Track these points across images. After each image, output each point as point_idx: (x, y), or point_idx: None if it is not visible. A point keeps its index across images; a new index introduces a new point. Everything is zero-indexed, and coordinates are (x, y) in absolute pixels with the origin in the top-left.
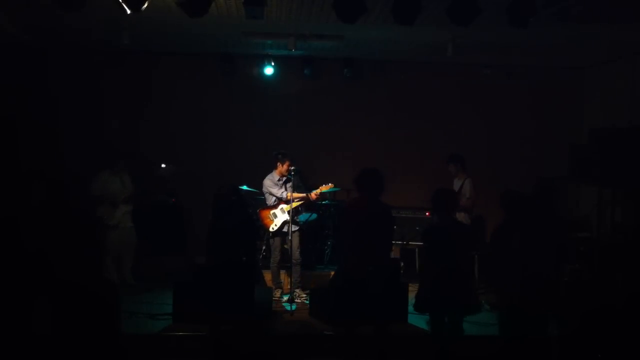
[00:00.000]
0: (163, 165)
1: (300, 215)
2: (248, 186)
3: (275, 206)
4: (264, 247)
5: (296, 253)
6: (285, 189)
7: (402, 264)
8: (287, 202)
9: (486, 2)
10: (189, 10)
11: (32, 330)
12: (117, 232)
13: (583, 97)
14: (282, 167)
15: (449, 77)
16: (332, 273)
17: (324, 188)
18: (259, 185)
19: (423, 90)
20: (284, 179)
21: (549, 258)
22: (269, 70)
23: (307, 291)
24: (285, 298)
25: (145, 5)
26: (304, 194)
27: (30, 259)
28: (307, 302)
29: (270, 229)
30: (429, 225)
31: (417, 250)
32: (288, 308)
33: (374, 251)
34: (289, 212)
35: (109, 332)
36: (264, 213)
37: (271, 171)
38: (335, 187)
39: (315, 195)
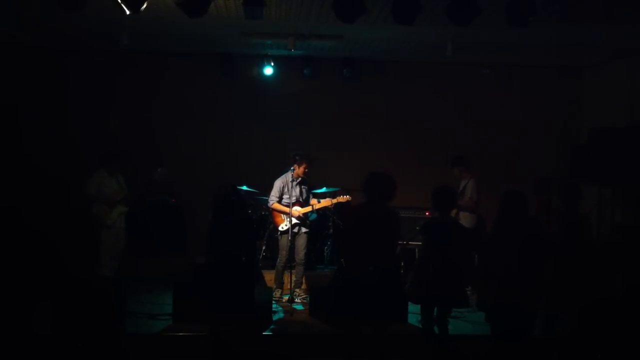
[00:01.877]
0: (159, 170)
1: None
2: (248, 186)
3: (288, 206)
4: (264, 247)
5: (301, 254)
6: (301, 191)
7: (402, 263)
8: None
9: (486, 2)
10: (188, 10)
11: (34, 329)
12: (110, 233)
13: (583, 97)
14: (299, 169)
15: (448, 77)
16: (333, 273)
17: (322, 204)
18: (259, 186)
19: (423, 90)
20: (299, 179)
21: (540, 257)
22: (268, 71)
23: (308, 291)
24: (286, 298)
25: (145, 5)
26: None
27: (33, 256)
28: (307, 301)
29: (280, 228)
30: (429, 219)
31: (417, 250)
32: (288, 308)
33: (377, 255)
34: (302, 214)
35: (111, 332)
36: (275, 212)
37: (284, 171)
38: (335, 188)
39: (311, 208)
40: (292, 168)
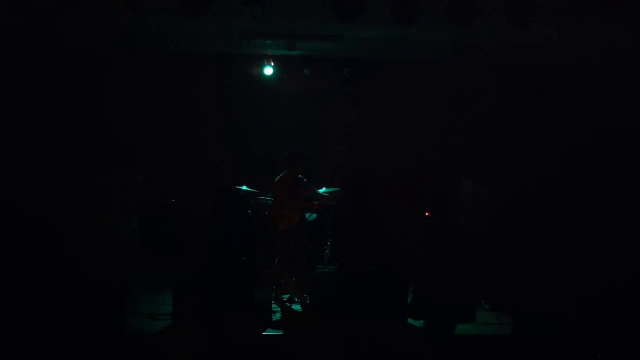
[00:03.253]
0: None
1: None
2: (248, 186)
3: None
4: (263, 247)
5: (300, 254)
6: (296, 190)
7: (401, 264)
8: (290, 207)
9: (486, 2)
10: (188, 10)
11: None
12: (119, 234)
13: (583, 97)
14: (295, 169)
15: (449, 76)
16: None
17: (327, 199)
18: (259, 186)
19: (423, 90)
20: (296, 178)
21: None
22: (268, 71)
23: (307, 291)
24: (286, 298)
25: (145, 6)
26: (306, 203)
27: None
28: (308, 301)
29: (279, 229)
30: (428, 227)
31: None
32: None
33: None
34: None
35: (112, 332)
36: (274, 212)
37: (282, 171)
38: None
39: (318, 205)
40: (292, 168)
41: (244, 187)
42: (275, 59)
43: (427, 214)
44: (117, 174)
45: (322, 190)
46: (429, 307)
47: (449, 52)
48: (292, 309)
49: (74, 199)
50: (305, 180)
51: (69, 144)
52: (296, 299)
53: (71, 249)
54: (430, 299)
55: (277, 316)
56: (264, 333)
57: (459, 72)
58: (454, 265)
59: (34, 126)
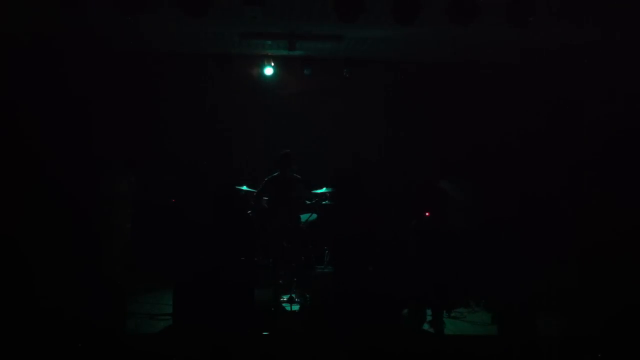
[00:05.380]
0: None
1: (301, 216)
2: (248, 186)
3: (279, 205)
4: (263, 247)
5: (300, 253)
6: (290, 189)
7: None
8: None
9: (486, 2)
10: (188, 10)
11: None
12: (119, 233)
13: (581, 97)
14: (286, 168)
15: (449, 77)
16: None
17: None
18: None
19: (423, 90)
20: (288, 178)
21: None
22: (268, 71)
23: (307, 291)
24: (286, 298)
25: (145, 6)
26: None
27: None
28: (308, 302)
29: (276, 227)
30: (418, 225)
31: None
32: (288, 308)
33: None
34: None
35: (112, 332)
36: (264, 212)
37: (274, 171)
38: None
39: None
40: (284, 168)
41: (244, 187)
42: (275, 59)
43: (427, 213)
44: (113, 174)
45: (322, 190)
46: (409, 299)
47: (450, 52)
48: (292, 310)
49: (70, 198)
50: (299, 178)
51: (64, 144)
52: (296, 299)
53: (69, 248)
54: (410, 293)
55: (276, 316)
56: (263, 333)
57: (459, 72)
58: (438, 263)
59: (29, 128)
